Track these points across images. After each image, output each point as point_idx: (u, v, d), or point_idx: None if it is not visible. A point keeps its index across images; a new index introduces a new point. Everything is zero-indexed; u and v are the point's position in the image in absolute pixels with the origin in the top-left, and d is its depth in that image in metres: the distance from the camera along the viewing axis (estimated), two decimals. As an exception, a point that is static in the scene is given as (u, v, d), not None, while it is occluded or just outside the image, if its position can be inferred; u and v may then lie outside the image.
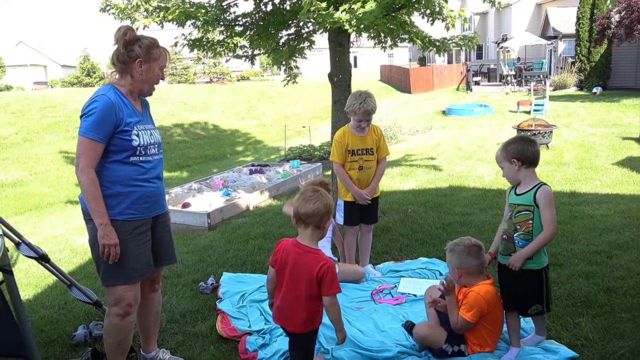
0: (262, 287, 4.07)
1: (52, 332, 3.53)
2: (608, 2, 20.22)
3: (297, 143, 14.05)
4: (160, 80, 2.79)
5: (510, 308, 2.92)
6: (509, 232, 2.86)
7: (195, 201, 7.11)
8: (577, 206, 6.03)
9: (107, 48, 62.93)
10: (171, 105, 23.58)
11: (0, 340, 2.37)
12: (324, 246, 4.12)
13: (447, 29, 6.11)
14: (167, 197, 6.36)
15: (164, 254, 2.89)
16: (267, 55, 6.94)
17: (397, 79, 33.91)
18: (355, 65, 43.54)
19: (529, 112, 16.01)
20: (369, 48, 11.05)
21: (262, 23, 6.20)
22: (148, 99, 2.86)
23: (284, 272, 2.48)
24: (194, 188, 8.13)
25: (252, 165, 10.31)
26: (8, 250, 2.64)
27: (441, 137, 13.59)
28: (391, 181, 8.26)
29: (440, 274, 4.19)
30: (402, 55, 48.74)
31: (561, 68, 23.72)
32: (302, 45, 6.94)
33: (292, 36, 6.85)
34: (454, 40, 6.61)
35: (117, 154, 2.58)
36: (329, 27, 5.10)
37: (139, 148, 2.61)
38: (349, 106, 4.02)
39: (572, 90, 22.10)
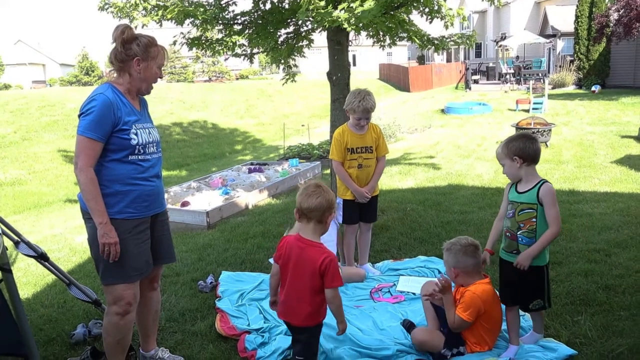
0: (261, 286, 4.08)
1: (51, 330, 3.52)
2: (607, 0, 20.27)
3: (296, 142, 14.05)
4: (159, 79, 2.79)
5: (511, 303, 2.93)
6: (513, 230, 2.86)
7: (194, 200, 7.11)
8: (576, 204, 6.04)
9: (105, 47, 62.92)
10: (170, 104, 23.57)
11: (0, 339, 2.37)
12: (330, 248, 4.12)
13: (446, 27, 6.11)
14: (166, 195, 6.37)
15: (163, 252, 2.89)
16: (265, 53, 6.94)
17: (396, 78, 33.92)
18: (354, 64, 43.50)
19: (527, 111, 16.01)
20: (368, 47, 11.05)
21: (260, 21, 6.20)
22: (147, 97, 2.85)
23: (288, 267, 2.51)
24: (193, 187, 8.12)
25: (251, 164, 10.31)
26: (7, 249, 2.64)
27: (440, 136, 13.59)
28: (390, 180, 8.27)
29: (439, 272, 4.19)
30: (401, 53, 48.72)
31: (560, 66, 23.72)
32: (300, 43, 6.94)
33: (291, 35, 6.84)
34: (452, 39, 6.61)
35: (115, 152, 2.58)
36: (327, 25, 5.09)
37: (137, 147, 2.61)
38: (348, 104, 4.02)
39: (571, 89, 22.12)
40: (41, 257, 2.96)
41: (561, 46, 25.40)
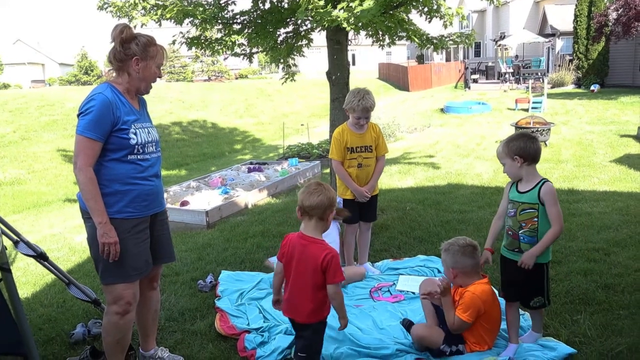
0: (260, 285, 4.08)
1: (51, 330, 3.52)
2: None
3: (296, 141, 14.05)
4: (158, 79, 2.79)
5: (513, 300, 2.93)
6: (514, 229, 2.87)
7: (194, 199, 7.11)
8: (575, 204, 6.04)
9: (105, 46, 62.88)
10: (169, 103, 23.56)
11: (-1, 339, 2.38)
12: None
13: (445, 26, 6.12)
14: (165, 195, 6.37)
15: (162, 252, 2.89)
16: (265, 53, 6.94)
17: (396, 77, 33.92)
18: (354, 63, 43.50)
19: (527, 110, 16.03)
20: (367, 46, 11.05)
21: (260, 21, 6.20)
22: (146, 97, 2.85)
23: (291, 264, 2.55)
24: (193, 186, 8.12)
25: (251, 163, 10.31)
26: (6, 249, 2.63)
27: (439, 135, 13.60)
28: (390, 179, 8.27)
29: (439, 271, 4.19)
30: (400, 53, 48.73)
31: (559, 66, 23.74)
32: (300, 43, 6.94)
33: (290, 34, 6.84)
34: (451, 38, 6.62)
35: (115, 152, 2.57)
36: (326, 25, 5.09)
37: (136, 146, 2.61)
38: (347, 103, 4.02)
39: (570, 88, 22.13)
40: (40, 257, 2.96)
41: (560, 45, 25.41)
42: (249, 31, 6.22)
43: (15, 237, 2.89)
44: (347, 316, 2.58)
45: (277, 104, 26.96)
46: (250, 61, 7.21)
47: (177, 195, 7.45)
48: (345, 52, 5.96)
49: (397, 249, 4.89)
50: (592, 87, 20.35)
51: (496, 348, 2.95)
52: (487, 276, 3.00)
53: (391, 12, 5.60)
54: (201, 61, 43.09)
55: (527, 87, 19.99)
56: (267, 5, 6.29)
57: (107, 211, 2.52)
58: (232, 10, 6.37)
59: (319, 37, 6.71)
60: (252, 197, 7.35)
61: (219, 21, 6.18)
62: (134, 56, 2.60)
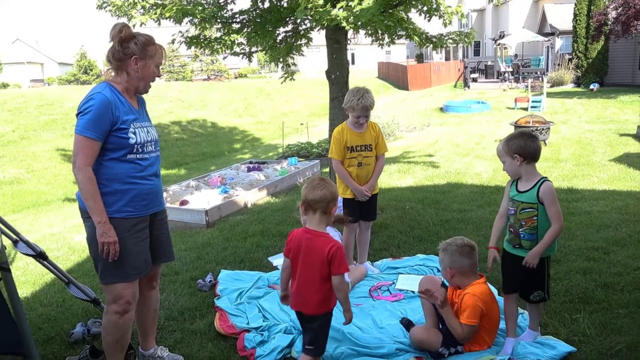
0: (259, 284, 4.08)
1: (50, 329, 3.52)
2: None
3: (295, 140, 14.05)
4: (157, 78, 2.79)
5: (512, 292, 2.93)
6: (515, 227, 2.88)
7: (193, 199, 7.11)
8: (575, 202, 6.05)
9: (104, 46, 62.79)
10: (169, 102, 23.55)
11: (-1, 338, 2.37)
12: None
13: (444, 25, 6.12)
14: (165, 194, 6.37)
15: (162, 251, 2.89)
16: (264, 52, 6.95)
17: (395, 76, 33.92)
18: (353, 63, 43.49)
19: (526, 109, 16.03)
20: (367, 45, 11.05)
21: (259, 20, 6.20)
22: (145, 96, 2.85)
23: (298, 258, 2.60)
24: (192, 185, 8.12)
25: (250, 162, 10.31)
26: (6, 248, 2.63)
27: (439, 134, 13.60)
28: (389, 178, 8.27)
29: (438, 270, 4.18)
30: (399, 52, 48.71)
31: (558, 65, 23.75)
32: (299, 42, 6.94)
33: (290, 33, 6.84)
34: (450, 37, 6.62)
35: (114, 151, 2.57)
36: (326, 24, 5.09)
37: (136, 146, 2.61)
38: (347, 102, 4.02)
39: (569, 87, 22.15)
40: (40, 256, 2.96)
41: (559, 44, 25.42)
42: (248, 30, 6.22)
43: (14, 237, 2.89)
44: (351, 310, 2.62)
45: (276, 103, 26.96)
46: (250, 60, 7.21)
47: (176, 194, 7.45)
48: (344, 51, 5.96)
49: (397, 248, 4.89)
50: (591, 86, 20.36)
51: (495, 347, 2.95)
52: (484, 276, 3.01)
53: (390, 11, 5.60)
54: (200, 60, 43.08)
55: (527, 86, 20.00)
56: (267, 5, 6.29)
57: (106, 210, 2.52)
58: (232, 10, 6.38)
59: (318, 36, 6.71)
60: (252, 196, 7.35)
61: (218, 20, 6.18)
62: (133, 55, 2.60)
